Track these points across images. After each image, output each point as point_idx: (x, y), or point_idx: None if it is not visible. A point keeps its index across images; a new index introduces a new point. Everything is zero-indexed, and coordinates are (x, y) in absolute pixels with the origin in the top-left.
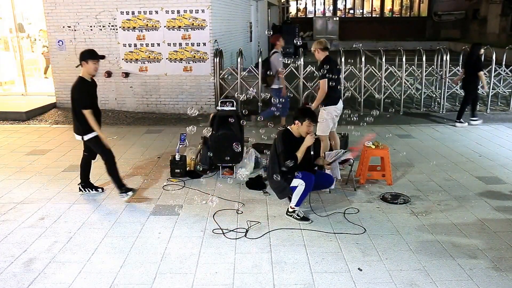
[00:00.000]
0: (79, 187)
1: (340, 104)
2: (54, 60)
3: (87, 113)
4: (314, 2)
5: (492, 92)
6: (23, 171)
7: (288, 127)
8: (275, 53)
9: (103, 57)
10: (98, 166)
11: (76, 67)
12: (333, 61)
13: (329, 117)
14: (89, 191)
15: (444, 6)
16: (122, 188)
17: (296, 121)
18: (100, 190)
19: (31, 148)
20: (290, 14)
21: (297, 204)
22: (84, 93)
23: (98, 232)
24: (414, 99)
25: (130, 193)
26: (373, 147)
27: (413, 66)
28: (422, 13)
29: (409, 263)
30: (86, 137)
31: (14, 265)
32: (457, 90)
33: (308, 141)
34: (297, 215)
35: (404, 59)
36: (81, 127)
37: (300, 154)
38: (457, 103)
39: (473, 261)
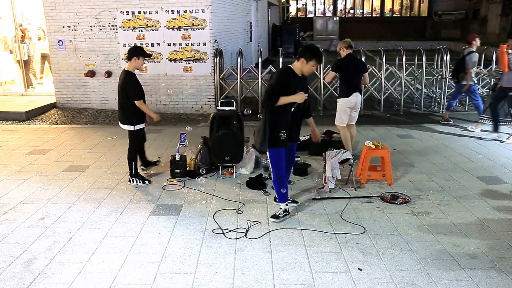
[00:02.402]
0: (128, 178)
1: (353, 98)
2: (54, 60)
3: (140, 104)
4: (314, 2)
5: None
6: (23, 171)
7: (290, 65)
8: (471, 52)
9: (150, 55)
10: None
11: (126, 59)
12: (351, 59)
13: (341, 109)
14: (137, 181)
15: (444, 6)
16: (133, 175)
17: (302, 59)
18: (147, 182)
19: (31, 148)
20: (290, 14)
21: (280, 199)
22: (136, 85)
23: (98, 232)
24: (414, 99)
25: (139, 183)
26: (373, 147)
27: (413, 66)
28: (422, 13)
29: (409, 263)
30: (137, 127)
31: (14, 265)
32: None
33: (298, 98)
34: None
35: (404, 59)
36: (131, 118)
37: (283, 101)
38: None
39: (473, 261)
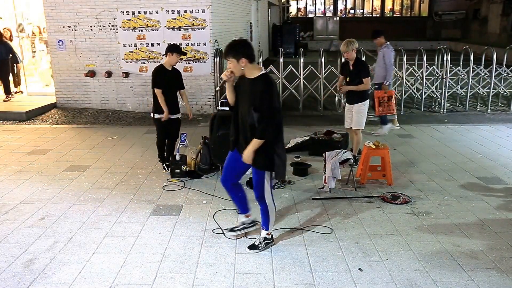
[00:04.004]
0: (163, 166)
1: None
2: (55, 60)
3: (158, 92)
4: (314, 2)
5: (492, 92)
6: (24, 171)
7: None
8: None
9: (185, 53)
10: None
11: (163, 55)
12: None
13: (365, 111)
14: (164, 168)
15: (444, 6)
16: (163, 162)
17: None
18: (164, 170)
19: (32, 148)
20: (291, 14)
21: (241, 211)
22: (158, 76)
23: (99, 232)
24: (414, 99)
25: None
26: (374, 147)
27: (413, 66)
28: (422, 13)
29: (409, 264)
30: (157, 116)
31: (15, 265)
32: (457, 90)
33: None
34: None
35: (404, 59)
36: (153, 106)
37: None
38: (457, 103)
39: (473, 262)
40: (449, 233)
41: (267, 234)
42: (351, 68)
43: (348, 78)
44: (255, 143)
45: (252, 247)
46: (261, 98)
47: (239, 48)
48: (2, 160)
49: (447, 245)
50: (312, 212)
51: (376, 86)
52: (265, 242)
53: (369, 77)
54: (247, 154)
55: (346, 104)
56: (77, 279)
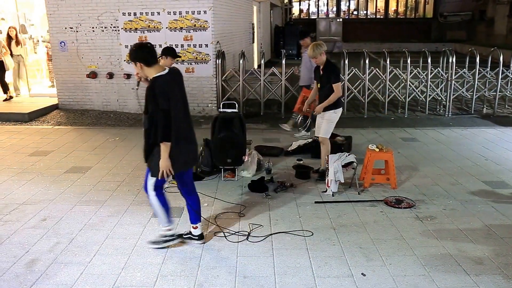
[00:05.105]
0: None
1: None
2: (56, 62)
3: None
4: (317, 3)
5: (499, 95)
6: (26, 172)
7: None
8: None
9: (179, 56)
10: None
11: (159, 57)
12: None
13: (336, 120)
14: None
15: (450, 7)
16: None
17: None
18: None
19: (34, 149)
20: (293, 15)
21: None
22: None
23: (100, 234)
24: (419, 102)
25: None
26: (377, 150)
27: (418, 68)
28: (427, 14)
29: (413, 269)
30: None
31: (17, 266)
32: (463, 92)
33: None
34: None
35: (409, 61)
36: None
37: None
38: (463, 106)
39: (479, 267)
40: (454, 238)
41: (166, 229)
42: (321, 72)
43: (319, 84)
44: (162, 148)
45: (153, 242)
46: (149, 101)
47: (133, 53)
48: (5, 161)
49: (452, 250)
50: (314, 215)
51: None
52: (164, 239)
53: (339, 82)
54: (161, 162)
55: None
56: (78, 281)
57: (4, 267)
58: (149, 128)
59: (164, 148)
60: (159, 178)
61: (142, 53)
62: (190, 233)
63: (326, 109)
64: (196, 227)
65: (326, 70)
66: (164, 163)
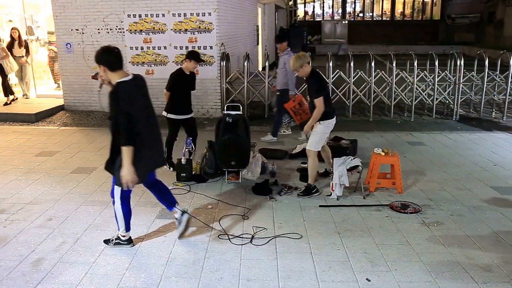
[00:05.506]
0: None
1: (335, 117)
2: (62, 63)
3: (166, 93)
4: (322, 5)
5: (509, 98)
6: (32, 172)
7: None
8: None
9: (203, 60)
10: None
11: (181, 61)
12: (320, 74)
13: (326, 131)
14: (168, 167)
15: (458, 8)
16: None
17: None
18: (171, 169)
19: (40, 149)
20: (298, 17)
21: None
22: (173, 80)
23: (105, 234)
24: (425, 106)
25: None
26: (383, 154)
27: (425, 71)
28: (434, 16)
29: (419, 275)
30: (168, 115)
31: (23, 265)
32: (471, 96)
33: None
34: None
35: (415, 64)
36: (167, 105)
37: None
38: (471, 110)
39: (487, 275)
40: (461, 245)
41: (121, 234)
42: (307, 85)
43: (308, 97)
44: (124, 154)
45: (106, 240)
46: (111, 106)
47: (99, 56)
48: (12, 161)
49: (459, 257)
50: (318, 219)
51: (278, 93)
52: (116, 241)
53: (320, 97)
54: (123, 171)
55: None
56: (83, 280)
57: (11, 266)
58: (113, 133)
59: (126, 153)
60: (124, 188)
61: (108, 57)
62: (182, 211)
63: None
64: (176, 211)
65: (310, 83)
66: (127, 171)
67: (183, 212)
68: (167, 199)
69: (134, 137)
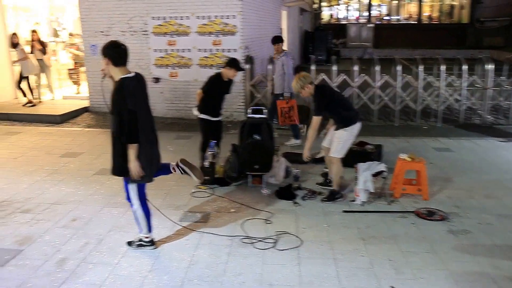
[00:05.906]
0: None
1: (359, 123)
2: (88, 65)
3: (200, 93)
4: (347, 8)
5: None
6: (57, 173)
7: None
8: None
9: (243, 69)
10: None
11: (222, 67)
12: (326, 87)
13: (350, 138)
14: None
15: (487, 12)
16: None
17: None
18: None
19: (65, 150)
20: (323, 20)
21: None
22: (211, 83)
23: (127, 236)
24: (453, 111)
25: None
26: (409, 159)
27: (452, 76)
28: (463, 20)
29: (445, 284)
30: (200, 115)
31: (48, 264)
32: (500, 102)
33: None
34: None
35: (442, 68)
36: (200, 106)
37: None
38: (500, 116)
39: None
40: (489, 254)
41: (144, 236)
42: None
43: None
44: (129, 150)
45: (129, 242)
46: (116, 102)
47: (105, 48)
48: (38, 161)
49: (487, 267)
50: (342, 225)
51: (282, 98)
52: (139, 242)
53: (318, 116)
54: (130, 164)
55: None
56: (106, 281)
57: (37, 264)
58: (116, 131)
59: (132, 150)
60: (134, 178)
61: (114, 51)
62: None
63: (338, 127)
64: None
65: (313, 100)
66: (133, 164)
67: (177, 165)
68: (164, 169)
69: (138, 134)
